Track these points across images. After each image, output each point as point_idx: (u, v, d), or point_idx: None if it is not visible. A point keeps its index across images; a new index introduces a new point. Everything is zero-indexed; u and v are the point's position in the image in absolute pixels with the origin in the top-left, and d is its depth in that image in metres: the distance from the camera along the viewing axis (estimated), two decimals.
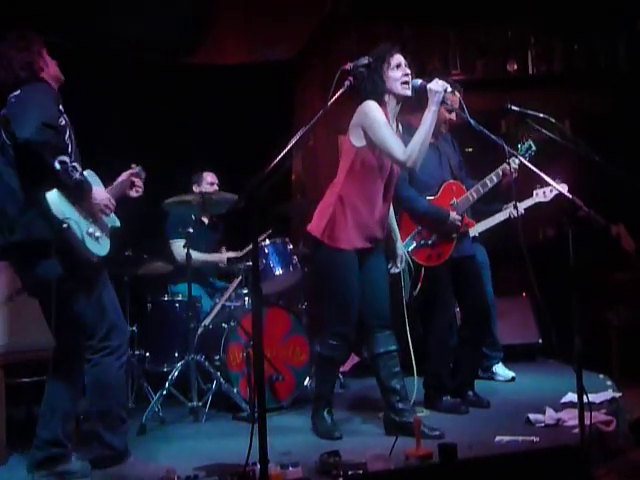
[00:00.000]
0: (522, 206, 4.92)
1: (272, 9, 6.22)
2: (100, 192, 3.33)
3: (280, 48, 6.86)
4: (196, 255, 4.98)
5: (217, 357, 4.65)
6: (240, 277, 5.00)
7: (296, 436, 4.00)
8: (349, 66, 3.58)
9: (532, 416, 3.94)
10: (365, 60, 3.62)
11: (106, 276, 3.43)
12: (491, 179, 4.45)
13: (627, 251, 5.60)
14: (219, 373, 4.55)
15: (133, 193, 3.61)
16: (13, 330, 3.74)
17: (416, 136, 3.67)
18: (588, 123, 6.49)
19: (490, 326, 5.18)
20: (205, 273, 5.41)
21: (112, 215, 3.43)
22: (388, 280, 4.05)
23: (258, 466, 2.76)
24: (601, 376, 4.95)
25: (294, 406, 4.71)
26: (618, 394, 4.36)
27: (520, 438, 3.58)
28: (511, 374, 5.26)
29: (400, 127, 3.93)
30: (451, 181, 4.46)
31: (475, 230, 4.88)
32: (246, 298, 4.93)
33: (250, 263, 4.68)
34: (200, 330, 4.69)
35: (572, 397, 4.13)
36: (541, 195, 4.90)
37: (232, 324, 4.69)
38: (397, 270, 4.14)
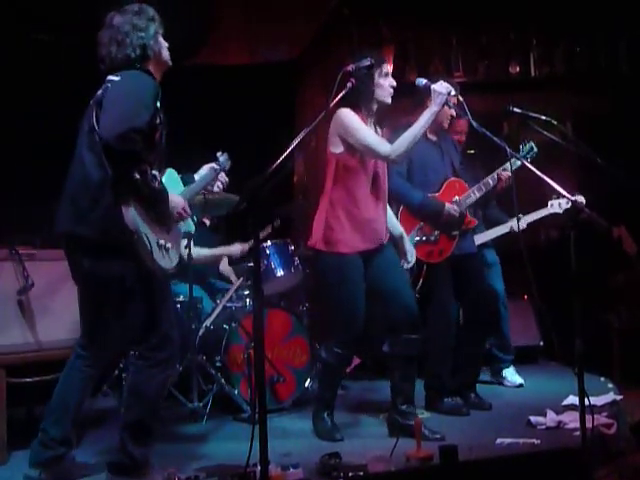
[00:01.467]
0: (535, 217, 4.88)
1: (273, 10, 6.22)
2: (176, 198, 3.19)
3: (281, 49, 6.87)
4: (201, 251, 4.97)
5: (218, 358, 4.64)
6: (242, 278, 5.00)
7: (297, 437, 4.00)
8: (351, 67, 3.60)
9: (533, 418, 3.94)
10: (367, 61, 3.64)
11: (168, 287, 3.31)
12: (493, 178, 4.47)
13: (629, 253, 5.60)
14: (220, 374, 4.55)
15: (215, 188, 3.53)
16: (15, 329, 3.74)
17: (408, 131, 3.73)
18: (590, 125, 6.48)
19: (501, 327, 5.17)
20: (206, 274, 5.40)
21: (188, 221, 3.36)
22: (408, 276, 4.03)
23: (259, 467, 2.76)
24: (602, 379, 4.95)
25: (295, 407, 4.71)
26: (619, 397, 4.36)
27: (521, 440, 3.59)
28: (519, 380, 5.17)
29: (379, 130, 3.95)
30: (453, 178, 4.46)
31: (477, 239, 4.90)
32: (247, 299, 4.93)
33: (252, 264, 4.68)
34: (201, 331, 4.69)
35: (573, 399, 4.13)
36: (556, 206, 4.79)
37: (233, 325, 4.69)
38: (408, 266, 4.11)
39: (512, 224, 4.99)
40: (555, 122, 4.21)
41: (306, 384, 4.81)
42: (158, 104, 3.10)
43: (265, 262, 4.88)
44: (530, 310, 6.07)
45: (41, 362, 3.79)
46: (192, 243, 4.65)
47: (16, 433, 3.73)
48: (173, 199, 3.16)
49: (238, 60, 6.82)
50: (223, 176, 3.58)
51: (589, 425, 3.21)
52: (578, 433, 3.29)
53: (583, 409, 3.17)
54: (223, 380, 4.52)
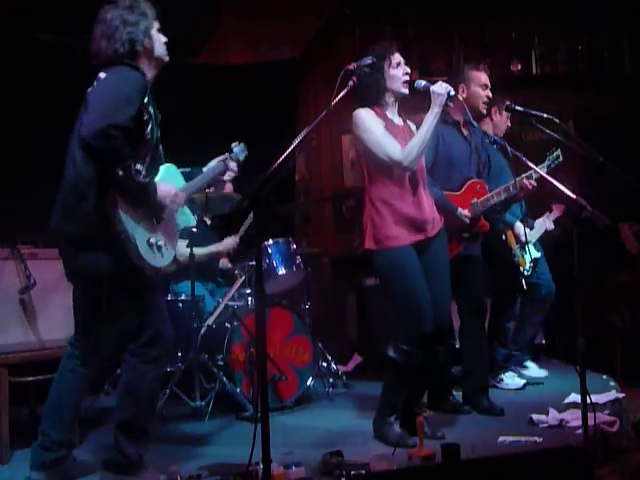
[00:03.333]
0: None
1: (276, 9, 6.23)
2: (165, 187, 3.15)
3: (284, 48, 6.87)
4: (197, 250, 4.97)
5: (220, 357, 4.65)
6: (244, 277, 5.00)
7: (299, 436, 4.00)
8: (353, 66, 3.57)
9: (535, 417, 3.94)
10: (369, 60, 3.62)
11: (158, 284, 3.28)
12: (514, 185, 4.40)
13: (631, 252, 5.60)
14: (222, 373, 4.55)
15: (226, 177, 3.48)
16: (17, 328, 3.74)
17: (416, 136, 3.67)
18: (592, 124, 6.48)
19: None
20: (207, 271, 5.39)
21: (188, 214, 3.33)
22: (449, 280, 3.84)
23: (261, 466, 2.76)
24: (604, 377, 4.94)
25: (297, 406, 4.72)
26: (621, 395, 4.35)
27: (523, 439, 3.58)
28: (520, 383, 5.05)
29: (409, 122, 3.89)
30: (476, 179, 4.39)
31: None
32: (249, 298, 4.93)
33: (254, 262, 4.68)
34: (203, 330, 4.69)
35: (575, 398, 4.13)
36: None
37: (235, 324, 4.69)
38: None
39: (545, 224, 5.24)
40: (557, 120, 4.20)
41: (308, 383, 4.81)
42: (146, 99, 3.08)
43: (267, 261, 4.88)
44: None
45: (43, 361, 3.79)
46: (192, 242, 4.66)
47: (18, 432, 3.73)
48: (162, 189, 3.12)
49: (241, 59, 6.83)
50: (234, 166, 3.51)
51: (591, 423, 3.21)
52: (580, 431, 3.30)
53: (585, 407, 3.17)
54: (225, 379, 4.52)
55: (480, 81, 4.37)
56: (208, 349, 4.67)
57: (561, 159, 4.58)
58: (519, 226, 4.96)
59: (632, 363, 5.09)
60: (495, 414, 4.25)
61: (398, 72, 3.74)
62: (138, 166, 3.02)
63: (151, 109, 3.12)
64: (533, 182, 4.36)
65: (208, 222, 5.52)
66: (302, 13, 6.41)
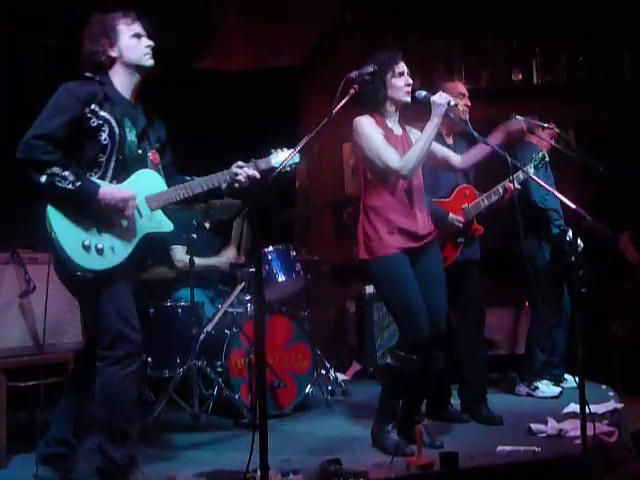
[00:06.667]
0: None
1: (277, 16, 6.24)
2: (109, 192, 3.07)
3: (285, 55, 6.89)
4: (195, 260, 4.97)
5: (219, 363, 4.64)
6: (243, 283, 5.00)
7: (297, 443, 3.99)
8: (354, 74, 3.58)
9: (534, 426, 3.93)
10: (370, 68, 3.62)
11: (112, 284, 3.15)
12: (503, 187, 4.41)
13: (631, 261, 5.60)
14: (221, 379, 4.54)
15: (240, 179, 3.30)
16: (16, 333, 3.74)
17: (415, 146, 3.69)
18: (592, 133, 6.49)
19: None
20: (207, 278, 5.39)
21: (161, 220, 3.31)
22: (445, 286, 3.84)
23: (259, 473, 2.76)
24: (603, 387, 4.94)
25: (296, 413, 4.71)
26: (620, 405, 4.35)
27: (522, 448, 3.58)
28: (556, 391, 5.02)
29: (408, 130, 3.90)
30: (464, 185, 4.42)
31: None
32: (249, 304, 4.92)
33: (253, 269, 4.67)
34: (202, 336, 4.68)
35: (574, 407, 4.12)
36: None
37: (234, 330, 4.68)
38: None
39: None
40: (557, 130, 4.21)
41: (307, 390, 4.81)
42: (94, 106, 3.11)
43: (266, 267, 4.88)
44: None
45: (42, 366, 3.79)
46: (191, 249, 4.65)
47: (16, 437, 3.73)
48: (105, 192, 3.07)
49: (242, 66, 6.83)
50: (245, 173, 3.28)
51: (590, 433, 3.20)
52: (579, 441, 3.29)
53: (584, 417, 3.16)
54: (224, 385, 4.51)
55: (457, 91, 4.35)
56: (207, 355, 4.65)
57: (547, 159, 4.56)
58: None
59: (632, 373, 5.07)
60: (494, 423, 4.24)
61: (400, 82, 3.75)
62: (65, 173, 3.00)
63: (105, 114, 3.13)
64: (517, 185, 4.36)
65: (207, 227, 5.51)
66: (304, 20, 6.42)
